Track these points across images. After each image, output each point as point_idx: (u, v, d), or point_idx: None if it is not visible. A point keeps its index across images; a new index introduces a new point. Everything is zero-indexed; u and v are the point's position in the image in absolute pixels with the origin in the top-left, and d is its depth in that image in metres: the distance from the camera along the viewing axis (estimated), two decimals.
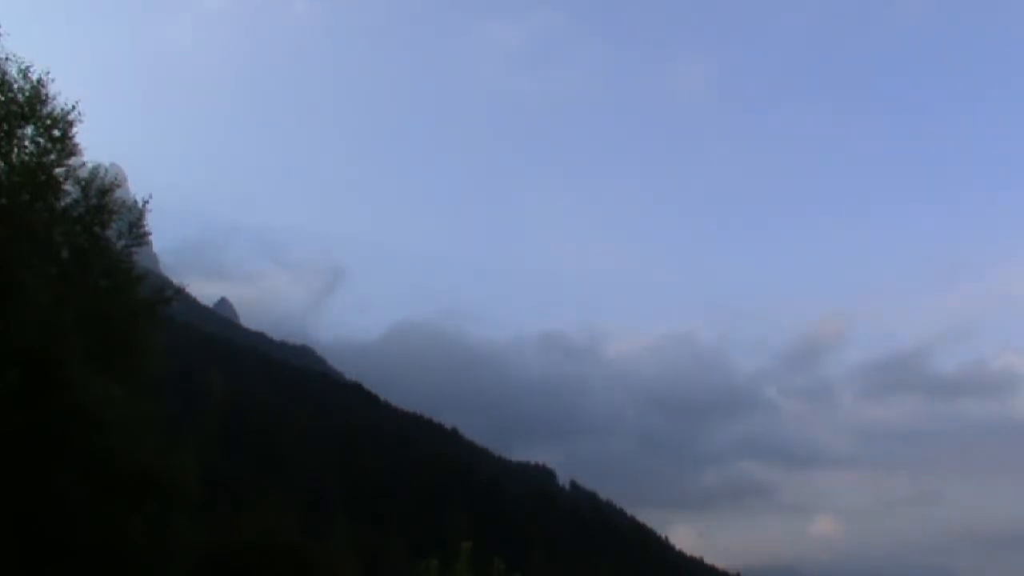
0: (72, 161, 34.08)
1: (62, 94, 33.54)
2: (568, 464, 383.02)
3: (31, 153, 32.98)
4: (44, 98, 33.07)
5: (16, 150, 32.66)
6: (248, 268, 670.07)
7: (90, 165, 35.58)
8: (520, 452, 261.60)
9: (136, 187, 39.10)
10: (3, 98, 32.38)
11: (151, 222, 37.51)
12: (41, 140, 33.11)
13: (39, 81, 33.03)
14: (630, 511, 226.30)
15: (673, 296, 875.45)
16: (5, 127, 32.34)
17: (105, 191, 35.02)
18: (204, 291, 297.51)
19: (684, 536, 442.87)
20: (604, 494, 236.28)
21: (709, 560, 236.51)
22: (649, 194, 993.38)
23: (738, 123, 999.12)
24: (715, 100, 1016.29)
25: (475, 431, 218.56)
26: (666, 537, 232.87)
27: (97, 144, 37.47)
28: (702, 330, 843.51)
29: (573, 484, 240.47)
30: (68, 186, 34.38)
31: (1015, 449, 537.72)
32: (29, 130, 33.00)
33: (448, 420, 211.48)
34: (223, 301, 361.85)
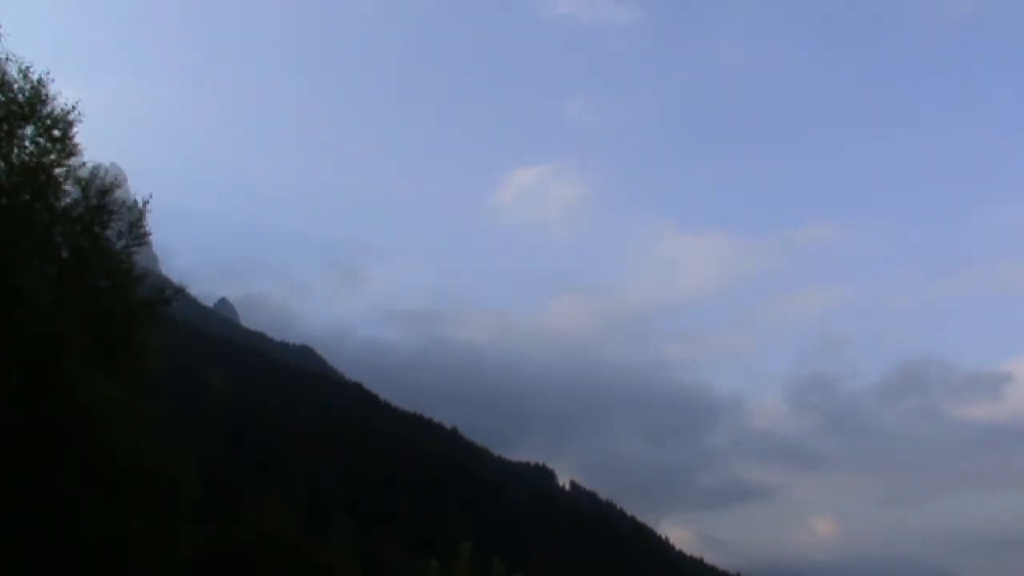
0: (72, 161, 34.11)
1: (62, 94, 33.65)
2: (568, 464, 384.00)
3: (31, 153, 33.00)
4: (44, 98, 33.09)
5: (16, 150, 32.68)
6: (250, 268, 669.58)
7: (90, 165, 35.57)
8: (520, 452, 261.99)
9: (136, 187, 39.05)
10: (3, 98, 32.41)
11: (152, 221, 37.47)
12: (41, 140, 33.13)
13: (39, 81, 33.08)
14: (630, 511, 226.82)
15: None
16: (5, 127, 32.36)
17: (105, 191, 35.00)
18: (204, 291, 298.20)
19: (684, 536, 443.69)
20: (604, 494, 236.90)
21: (709, 560, 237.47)
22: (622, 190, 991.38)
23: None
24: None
25: (475, 431, 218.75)
26: (666, 537, 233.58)
27: (97, 144, 37.42)
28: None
29: (573, 484, 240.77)
30: (68, 186, 34.39)
31: (1015, 453, 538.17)
32: (29, 130, 33.03)
33: (448, 420, 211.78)
34: (223, 301, 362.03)
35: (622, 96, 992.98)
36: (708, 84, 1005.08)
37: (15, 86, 32.69)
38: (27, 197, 32.75)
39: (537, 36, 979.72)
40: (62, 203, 34.40)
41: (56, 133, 33.28)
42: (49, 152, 33.24)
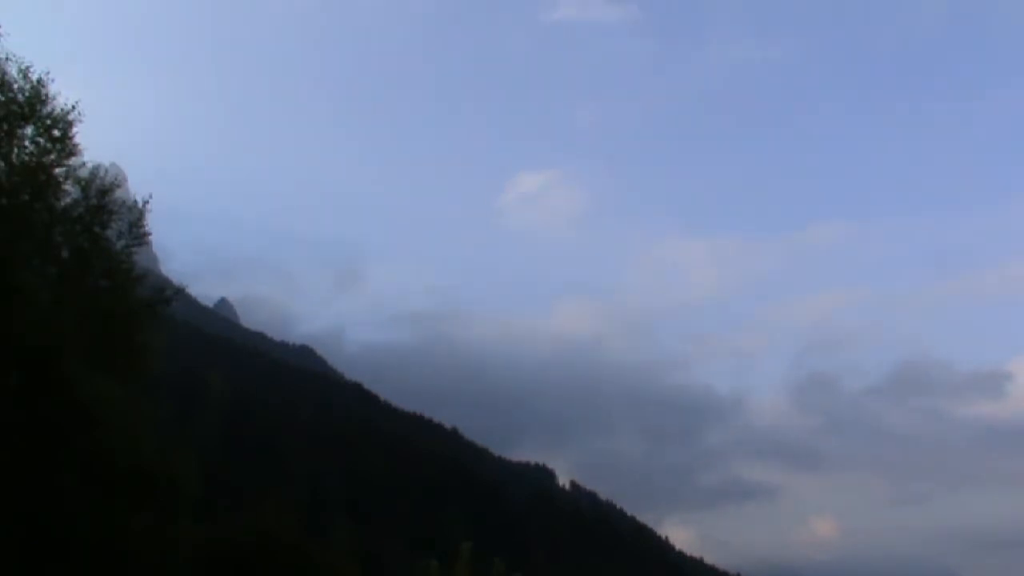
0: (72, 161, 34.08)
1: (62, 94, 33.64)
2: (568, 464, 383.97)
3: (31, 153, 32.98)
4: (44, 98, 33.07)
5: (16, 150, 32.67)
6: (250, 268, 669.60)
7: (90, 165, 35.53)
8: (520, 452, 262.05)
9: (136, 187, 39.03)
10: (3, 98, 32.40)
11: (151, 221, 37.42)
12: (41, 140, 33.11)
13: (39, 81, 33.06)
14: (630, 511, 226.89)
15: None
16: (5, 127, 32.34)
17: (105, 191, 34.95)
18: (204, 291, 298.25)
19: (684, 536, 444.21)
20: (604, 494, 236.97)
21: (709, 560, 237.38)
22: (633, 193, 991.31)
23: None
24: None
25: (475, 431, 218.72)
26: (666, 537, 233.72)
27: (97, 144, 37.39)
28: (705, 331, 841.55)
29: (573, 484, 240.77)
30: (68, 186, 34.36)
31: (1016, 453, 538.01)
32: (29, 130, 33.00)
33: (448, 420, 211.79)
34: (223, 301, 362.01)
35: (626, 99, 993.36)
36: (712, 86, 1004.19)
37: (15, 86, 32.68)
38: (27, 197, 32.73)
39: (540, 40, 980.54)
40: (62, 203, 34.36)
41: (56, 133, 33.24)
42: (49, 152, 33.22)
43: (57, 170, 33.67)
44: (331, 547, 63.22)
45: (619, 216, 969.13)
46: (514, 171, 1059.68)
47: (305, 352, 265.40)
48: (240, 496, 71.15)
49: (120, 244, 35.89)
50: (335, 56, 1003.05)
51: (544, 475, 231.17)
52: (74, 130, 33.65)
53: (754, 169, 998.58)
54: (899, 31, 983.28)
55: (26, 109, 32.74)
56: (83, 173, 34.82)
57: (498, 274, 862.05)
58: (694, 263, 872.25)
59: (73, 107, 33.60)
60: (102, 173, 35.69)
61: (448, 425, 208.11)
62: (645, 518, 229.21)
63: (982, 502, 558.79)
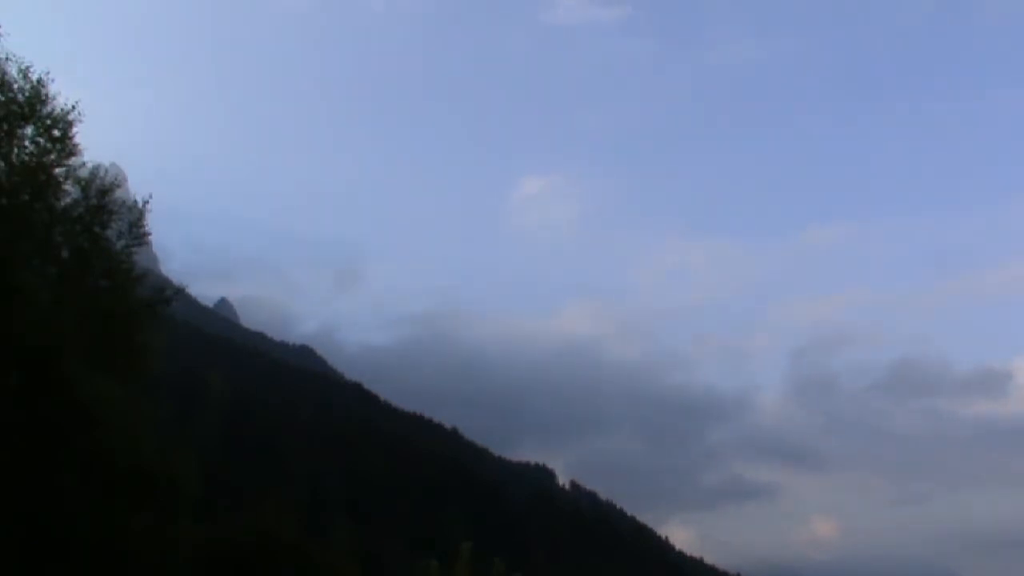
0: (72, 161, 34.08)
1: (62, 94, 33.62)
2: (568, 464, 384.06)
3: (31, 153, 32.98)
4: (44, 98, 33.07)
5: (16, 150, 32.66)
6: (250, 268, 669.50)
7: (90, 165, 35.52)
8: (520, 452, 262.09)
9: (136, 187, 39.00)
10: (3, 98, 32.39)
11: (151, 221, 37.39)
12: (41, 140, 33.11)
13: (39, 81, 33.06)
14: (630, 511, 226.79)
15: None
16: (5, 127, 32.33)
17: (105, 191, 34.95)
18: (204, 291, 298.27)
19: (684, 536, 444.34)
20: (604, 494, 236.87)
21: (709, 560, 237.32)
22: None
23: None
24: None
25: (475, 431, 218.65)
26: (666, 537, 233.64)
27: (97, 144, 37.36)
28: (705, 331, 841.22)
29: (573, 484, 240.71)
30: (68, 186, 34.35)
31: (1016, 453, 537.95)
32: (29, 130, 33.00)
33: (448, 420, 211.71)
34: (223, 301, 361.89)
35: (626, 101, 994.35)
36: (712, 86, 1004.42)
37: (15, 86, 32.68)
38: (27, 197, 32.73)
39: (541, 42, 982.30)
40: (62, 203, 34.36)
41: (56, 133, 33.24)
42: (49, 152, 33.21)
43: (57, 170, 33.67)
44: (331, 547, 63.22)
45: (620, 218, 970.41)
46: (517, 175, 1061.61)
47: (305, 352, 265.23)
48: (240, 496, 71.11)
49: (120, 244, 35.88)
50: (335, 56, 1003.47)
51: (544, 475, 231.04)
52: (74, 130, 33.70)
53: (754, 170, 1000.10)
54: (899, 31, 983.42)
55: (26, 109, 32.73)
56: (83, 173, 34.84)
57: (499, 275, 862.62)
58: (695, 264, 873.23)
59: (73, 107, 33.66)
60: (102, 173, 35.68)
61: (448, 425, 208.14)
62: (645, 518, 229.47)
63: (982, 502, 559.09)
